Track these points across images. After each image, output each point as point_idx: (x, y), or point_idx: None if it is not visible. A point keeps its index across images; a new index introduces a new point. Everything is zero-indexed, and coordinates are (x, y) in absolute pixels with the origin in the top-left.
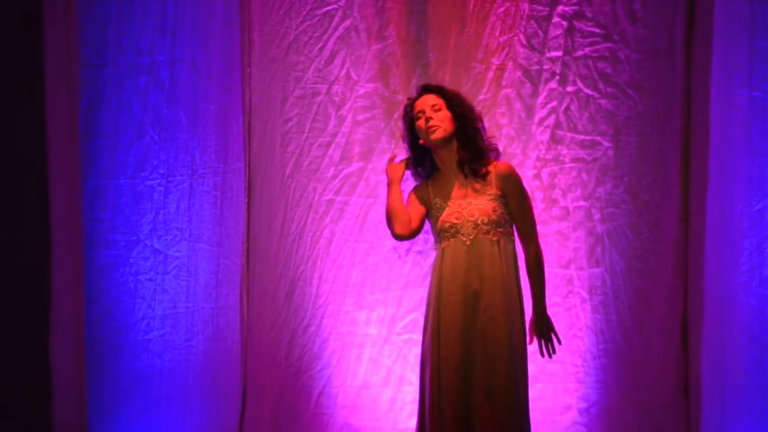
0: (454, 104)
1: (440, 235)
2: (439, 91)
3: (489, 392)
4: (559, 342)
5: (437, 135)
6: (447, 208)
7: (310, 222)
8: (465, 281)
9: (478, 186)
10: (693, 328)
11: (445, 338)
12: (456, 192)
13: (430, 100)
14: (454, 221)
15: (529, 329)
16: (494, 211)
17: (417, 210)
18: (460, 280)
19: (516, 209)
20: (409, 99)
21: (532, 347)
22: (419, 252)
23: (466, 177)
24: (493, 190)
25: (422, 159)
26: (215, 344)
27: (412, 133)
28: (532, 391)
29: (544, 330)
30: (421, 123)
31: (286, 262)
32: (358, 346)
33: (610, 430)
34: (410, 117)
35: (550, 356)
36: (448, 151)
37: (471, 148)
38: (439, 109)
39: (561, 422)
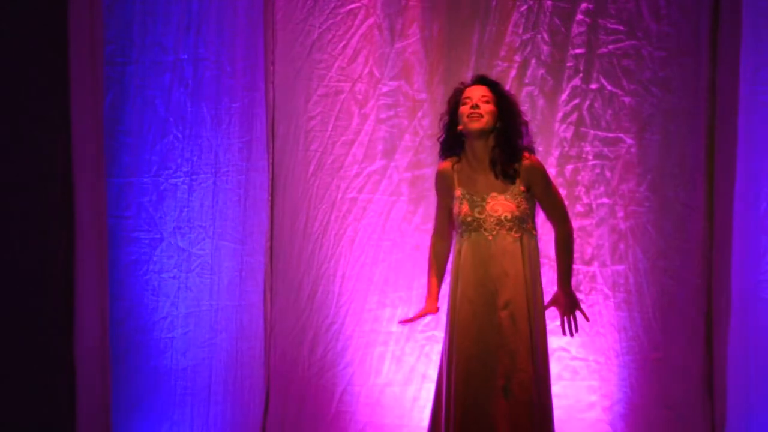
0: (502, 102)
1: (462, 226)
2: (492, 85)
3: (506, 390)
4: (587, 319)
5: (476, 125)
6: (470, 200)
7: (334, 220)
8: (486, 277)
9: (504, 182)
10: (717, 327)
11: (461, 333)
12: (481, 186)
13: (480, 91)
14: (477, 216)
15: (549, 303)
16: (518, 207)
17: (444, 210)
18: (480, 275)
19: (542, 195)
20: (461, 84)
21: (557, 344)
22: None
23: (496, 176)
24: (518, 186)
25: (454, 145)
26: (239, 342)
27: (453, 117)
28: (556, 389)
29: (570, 307)
30: (464, 109)
31: (310, 260)
32: (382, 344)
33: (634, 428)
34: (456, 100)
35: (572, 334)
36: (483, 146)
37: (506, 150)
38: (487, 102)
39: (584, 420)
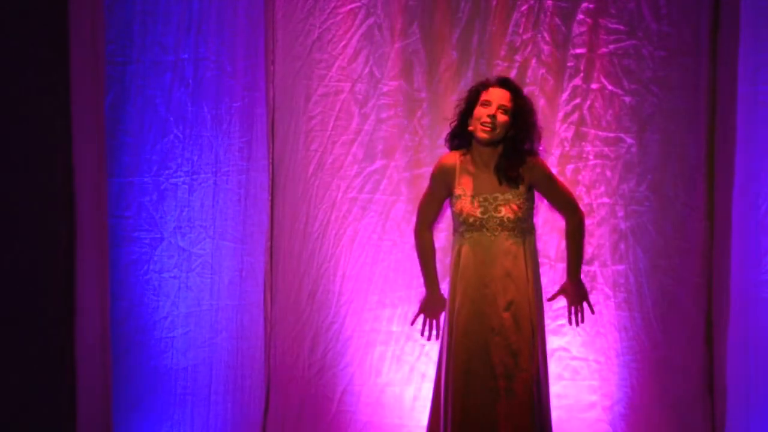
0: (520, 112)
1: (463, 226)
2: (515, 93)
3: (508, 390)
4: (592, 311)
5: (484, 136)
6: (473, 200)
7: (334, 220)
8: (488, 277)
9: (507, 184)
10: (717, 327)
11: (462, 332)
12: (485, 186)
13: (502, 98)
14: (480, 216)
15: (557, 292)
16: (520, 208)
17: (436, 201)
18: (482, 275)
19: (548, 192)
20: (486, 80)
21: (557, 344)
22: (442, 249)
23: (500, 182)
24: (520, 186)
25: (463, 136)
26: (239, 342)
27: (469, 110)
28: (556, 388)
29: (578, 297)
30: (480, 112)
31: (310, 259)
32: (382, 344)
33: (635, 428)
34: (477, 93)
35: (577, 324)
36: (490, 152)
37: (512, 159)
38: (505, 112)
39: (585, 420)
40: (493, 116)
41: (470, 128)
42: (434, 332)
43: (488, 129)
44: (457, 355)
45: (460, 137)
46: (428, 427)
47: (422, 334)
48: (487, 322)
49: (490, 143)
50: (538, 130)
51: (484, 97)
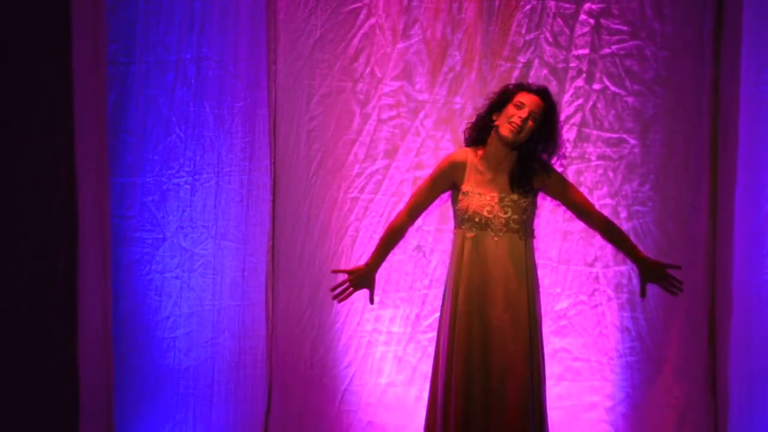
0: (544, 126)
1: (467, 223)
2: (550, 106)
3: (502, 391)
4: (678, 267)
5: (509, 135)
6: (479, 197)
7: (335, 220)
8: (489, 277)
9: (517, 189)
10: (720, 327)
11: (463, 332)
12: (493, 184)
13: (536, 106)
14: (486, 215)
15: (642, 284)
16: (525, 211)
17: (432, 193)
18: (484, 274)
19: (562, 195)
20: (528, 83)
21: (559, 345)
22: (444, 251)
23: (512, 189)
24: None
25: (484, 128)
26: (241, 342)
27: (498, 105)
28: (557, 389)
29: (659, 274)
30: (512, 111)
31: (311, 260)
32: (384, 344)
33: (636, 428)
34: (513, 93)
35: (680, 291)
36: (506, 153)
37: (524, 168)
38: (534, 120)
39: (587, 420)
40: (524, 119)
41: (496, 122)
42: (342, 296)
43: (515, 130)
44: (459, 354)
45: (481, 130)
46: (425, 424)
47: (333, 290)
48: (486, 321)
49: (510, 144)
50: (558, 148)
51: (519, 98)
